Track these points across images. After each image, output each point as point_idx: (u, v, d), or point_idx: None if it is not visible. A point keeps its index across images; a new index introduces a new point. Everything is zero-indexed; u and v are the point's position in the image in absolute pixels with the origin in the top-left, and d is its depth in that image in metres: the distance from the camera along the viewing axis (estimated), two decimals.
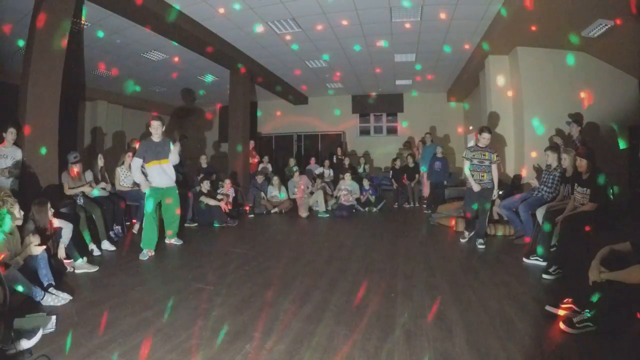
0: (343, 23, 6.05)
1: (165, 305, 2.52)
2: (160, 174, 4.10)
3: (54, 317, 2.22)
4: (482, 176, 4.25)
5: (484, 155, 4.25)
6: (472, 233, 4.44)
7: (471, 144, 4.62)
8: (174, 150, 4.23)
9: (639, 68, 5.69)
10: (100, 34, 5.54)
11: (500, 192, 4.62)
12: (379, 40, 6.90)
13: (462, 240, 4.45)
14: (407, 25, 6.20)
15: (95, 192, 4.56)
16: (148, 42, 6.58)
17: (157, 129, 4.10)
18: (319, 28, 6.22)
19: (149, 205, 4.06)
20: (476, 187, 4.22)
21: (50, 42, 4.05)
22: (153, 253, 3.95)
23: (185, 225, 5.55)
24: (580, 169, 3.43)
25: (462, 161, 4.63)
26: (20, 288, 2.37)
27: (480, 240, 4.21)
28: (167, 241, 4.40)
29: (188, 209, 5.76)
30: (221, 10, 5.58)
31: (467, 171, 4.35)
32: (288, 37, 6.66)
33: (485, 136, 4.28)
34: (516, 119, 6.60)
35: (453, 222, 5.24)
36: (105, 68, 8.35)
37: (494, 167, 4.26)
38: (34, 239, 2.76)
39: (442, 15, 5.65)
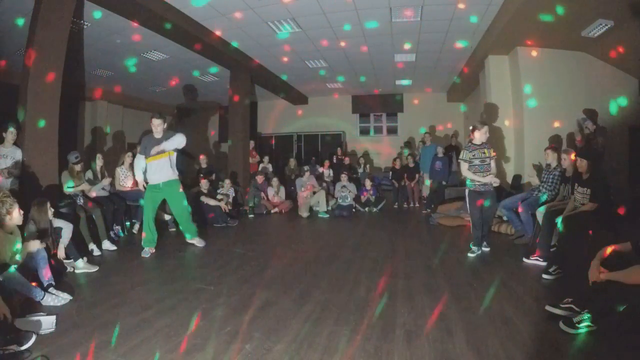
0: (343, 23, 6.05)
1: (165, 305, 2.52)
2: (157, 170, 4.01)
3: (54, 317, 2.23)
4: (485, 177, 3.87)
5: (484, 152, 3.89)
6: (481, 249, 3.95)
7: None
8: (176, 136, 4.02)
9: (639, 68, 5.69)
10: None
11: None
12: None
13: (471, 255, 3.84)
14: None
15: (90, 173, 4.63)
16: (148, 42, 6.58)
17: (157, 127, 4.02)
18: (318, 29, 6.23)
19: (146, 204, 4.06)
20: (485, 180, 3.83)
21: (50, 41, 4.05)
22: (154, 250, 3.97)
23: None
24: (580, 169, 3.43)
25: (458, 164, 4.13)
26: (12, 269, 2.38)
27: (475, 248, 3.89)
28: (188, 241, 4.32)
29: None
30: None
31: (467, 172, 3.92)
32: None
33: (482, 129, 3.90)
34: (516, 119, 6.60)
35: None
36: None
37: (492, 163, 3.91)
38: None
39: (443, 15, 5.66)
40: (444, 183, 7.35)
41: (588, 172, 3.35)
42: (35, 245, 2.68)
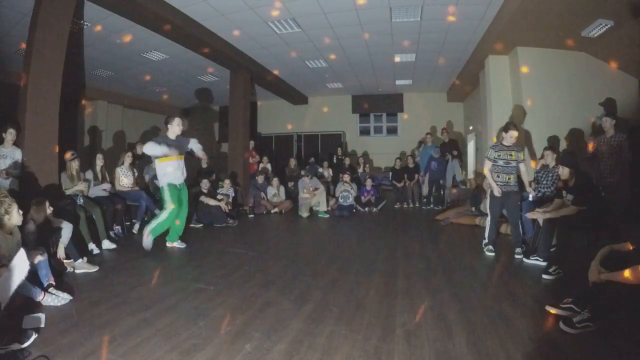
0: (343, 23, 6.05)
1: (165, 305, 2.52)
2: (176, 170, 4.06)
3: (43, 315, 2.23)
4: (508, 179, 3.84)
5: (511, 155, 3.82)
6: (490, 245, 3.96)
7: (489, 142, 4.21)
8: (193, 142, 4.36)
9: (639, 68, 5.68)
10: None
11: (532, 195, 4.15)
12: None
13: (490, 254, 3.87)
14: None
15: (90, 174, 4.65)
16: (148, 42, 6.58)
17: (174, 127, 4.05)
18: (319, 28, 6.23)
19: (174, 201, 4.02)
20: (497, 191, 3.82)
21: (50, 42, 4.05)
22: (182, 245, 4.22)
23: (191, 225, 5.46)
24: (562, 177, 3.46)
25: (483, 161, 4.10)
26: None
27: (518, 250, 3.79)
28: (169, 244, 4.26)
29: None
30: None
31: (487, 173, 3.93)
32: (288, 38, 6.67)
33: (513, 134, 3.82)
34: (516, 119, 6.59)
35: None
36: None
37: (521, 166, 3.86)
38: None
39: (443, 15, 5.65)
40: (441, 182, 7.47)
41: (572, 179, 3.38)
42: (37, 258, 2.65)
